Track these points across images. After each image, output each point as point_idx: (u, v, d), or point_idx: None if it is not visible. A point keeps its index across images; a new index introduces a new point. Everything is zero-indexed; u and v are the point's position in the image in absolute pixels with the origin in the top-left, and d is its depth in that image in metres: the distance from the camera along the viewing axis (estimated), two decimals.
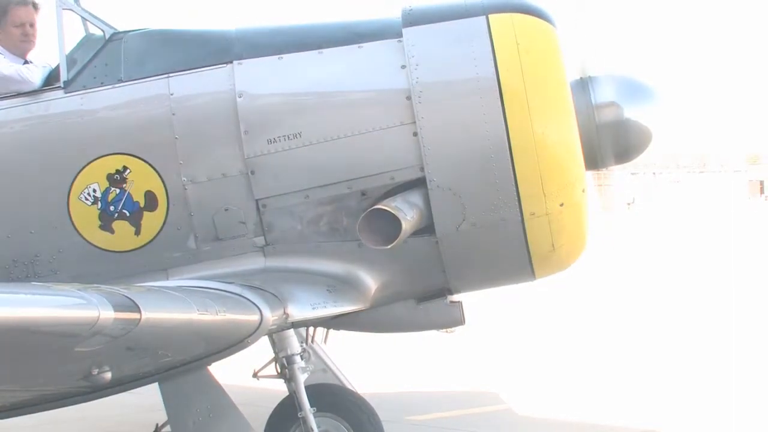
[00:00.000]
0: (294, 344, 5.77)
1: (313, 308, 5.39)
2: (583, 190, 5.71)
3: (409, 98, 5.52)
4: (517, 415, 8.84)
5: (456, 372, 10.91)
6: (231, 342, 5.01)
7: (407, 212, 5.27)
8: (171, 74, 5.68)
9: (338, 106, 5.67)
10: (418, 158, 5.51)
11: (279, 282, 5.43)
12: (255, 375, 7.23)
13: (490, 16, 5.59)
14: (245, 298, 4.99)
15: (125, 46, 5.81)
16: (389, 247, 5.16)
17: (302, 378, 5.74)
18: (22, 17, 6.09)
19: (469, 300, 6.38)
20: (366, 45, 5.70)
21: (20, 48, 6.10)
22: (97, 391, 4.92)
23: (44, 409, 5.10)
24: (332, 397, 6.55)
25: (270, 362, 6.77)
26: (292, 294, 5.32)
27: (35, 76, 5.89)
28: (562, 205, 5.58)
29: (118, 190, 5.59)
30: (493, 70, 5.48)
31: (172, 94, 5.64)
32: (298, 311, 5.26)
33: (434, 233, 5.59)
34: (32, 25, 6.14)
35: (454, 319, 6.26)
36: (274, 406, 6.46)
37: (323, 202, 5.65)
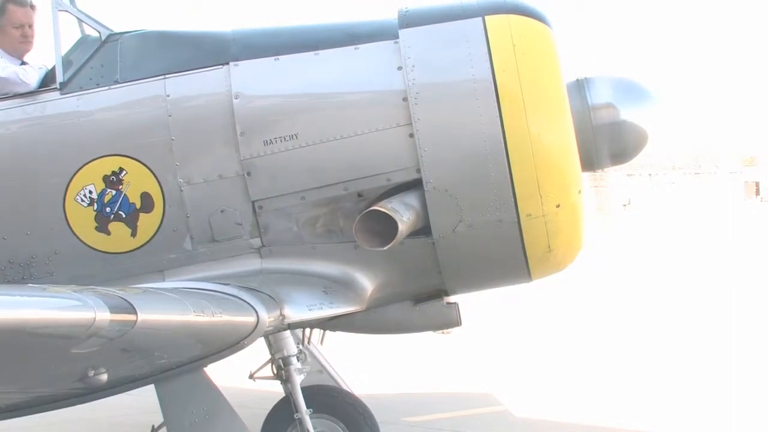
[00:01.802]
0: (290, 346, 5.76)
1: (310, 309, 5.39)
2: (580, 192, 5.71)
3: (405, 100, 5.52)
4: (514, 416, 8.84)
5: (452, 373, 10.91)
6: (227, 344, 5.01)
7: (403, 213, 5.27)
8: (167, 75, 5.68)
9: (335, 108, 5.67)
10: (415, 160, 5.51)
11: (275, 283, 5.44)
12: (251, 376, 7.22)
13: (486, 17, 5.60)
14: (241, 299, 4.99)
15: (121, 47, 5.81)
16: (386, 248, 5.15)
17: (298, 379, 5.73)
18: (21, 18, 6.08)
19: (466, 301, 6.37)
20: (362, 46, 5.70)
21: (19, 49, 6.10)
22: (93, 392, 4.92)
23: (41, 410, 5.10)
24: (329, 398, 6.55)
25: (266, 364, 6.77)
26: (288, 295, 5.32)
27: (32, 77, 5.89)
28: (558, 206, 5.58)
29: (114, 192, 5.58)
30: (490, 71, 5.48)
31: (168, 96, 5.64)
32: (294, 313, 5.26)
33: (430, 234, 5.59)
34: (31, 27, 6.13)
35: (450, 320, 6.27)
36: (271, 407, 6.46)
37: (319, 204, 5.65)
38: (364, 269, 5.71)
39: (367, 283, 5.73)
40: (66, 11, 5.82)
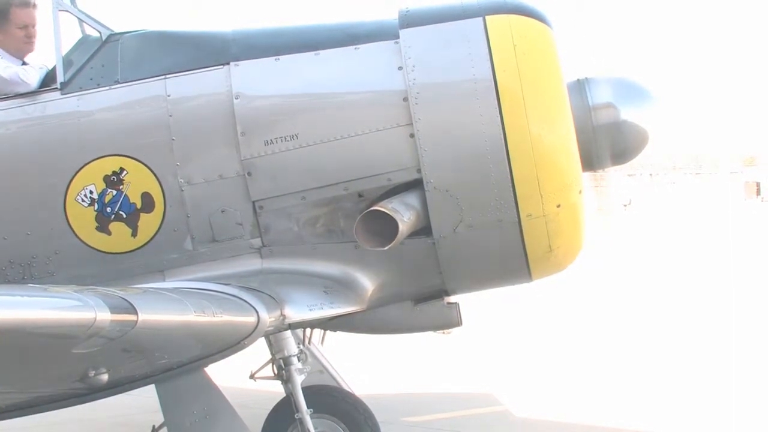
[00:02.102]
0: (291, 346, 5.76)
1: (310, 310, 5.39)
2: (580, 192, 5.71)
3: (406, 100, 5.52)
4: (514, 416, 8.84)
5: (453, 373, 10.91)
6: (228, 344, 5.01)
7: (404, 214, 5.27)
8: (168, 75, 5.68)
9: (335, 108, 5.67)
10: (415, 160, 5.51)
11: (276, 283, 5.43)
12: (252, 376, 7.23)
13: (487, 17, 5.59)
14: (242, 299, 4.99)
15: (122, 47, 5.81)
16: (386, 248, 5.16)
17: (299, 379, 5.73)
18: (25, 19, 6.07)
19: (466, 301, 6.38)
20: (363, 46, 5.70)
21: (22, 49, 6.09)
22: (93, 392, 4.92)
23: (41, 410, 5.09)
24: (329, 398, 6.55)
25: (267, 364, 6.77)
26: (288, 295, 5.32)
27: (32, 77, 5.88)
28: (558, 206, 5.58)
29: (114, 192, 5.58)
30: (490, 71, 5.48)
31: (168, 96, 5.64)
32: (294, 313, 5.26)
33: (431, 235, 5.59)
34: (34, 27, 6.13)
35: (450, 320, 6.26)
36: (271, 407, 6.46)
37: (320, 204, 5.65)
38: (365, 269, 5.71)
39: (368, 283, 5.73)
40: (66, 11, 5.82)
